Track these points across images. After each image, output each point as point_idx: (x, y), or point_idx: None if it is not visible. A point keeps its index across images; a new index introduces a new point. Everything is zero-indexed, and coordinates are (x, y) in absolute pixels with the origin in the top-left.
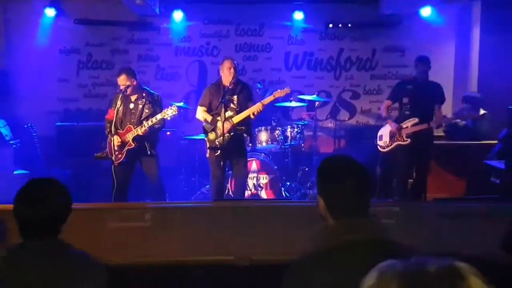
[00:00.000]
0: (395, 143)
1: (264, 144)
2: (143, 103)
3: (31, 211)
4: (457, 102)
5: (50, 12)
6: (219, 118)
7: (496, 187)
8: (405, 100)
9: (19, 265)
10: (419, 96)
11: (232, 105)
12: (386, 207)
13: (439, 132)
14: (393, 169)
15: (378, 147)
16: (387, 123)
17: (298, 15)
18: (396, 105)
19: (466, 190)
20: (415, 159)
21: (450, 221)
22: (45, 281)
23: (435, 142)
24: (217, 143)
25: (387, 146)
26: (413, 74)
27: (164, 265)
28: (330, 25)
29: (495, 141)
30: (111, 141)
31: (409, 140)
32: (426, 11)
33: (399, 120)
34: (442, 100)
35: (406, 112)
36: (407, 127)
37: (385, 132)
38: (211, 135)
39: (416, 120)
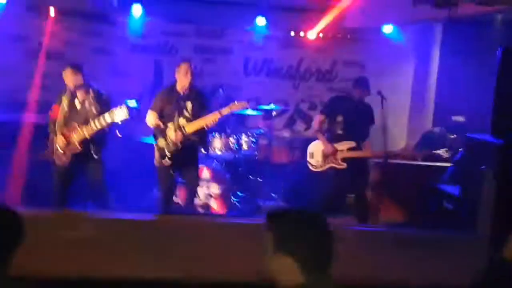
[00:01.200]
0: (329, 165)
1: (217, 151)
2: (90, 102)
3: None
4: (414, 121)
5: None
6: (169, 125)
7: (449, 213)
8: (339, 118)
9: None
10: (354, 116)
11: (185, 113)
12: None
13: None
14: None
15: (309, 165)
16: (317, 139)
17: (261, 21)
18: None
19: (416, 215)
20: (351, 183)
21: (401, 250)
22: None
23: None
24: (166, 151)
25: (320, 166)
26: (352, 93)
27: (106, 280)
28: (292, 33)
29: (447, 164)
30: (53, 140)
31: (345, 164)
32: (388, 28)
33: (331, 139)
34: (372, 122)
35: (339, 132)
36: (342, 150)
37: (316, 149)
38: (161, 142)
39: (353, 144)
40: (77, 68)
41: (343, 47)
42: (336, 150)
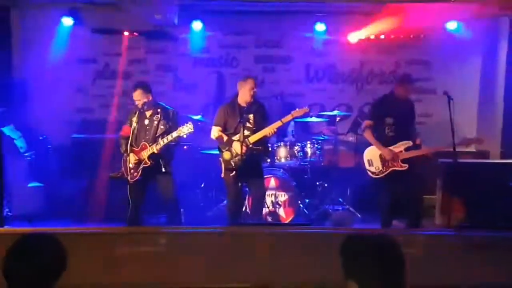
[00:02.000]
0: (390, 169)
1: (283, 160)
2: (158, 119)
3: (20, 268)
4: (482, 117)
5: (68, 21)
6: (234, 138)
7: None
8: (389, 120)
9: None
10: (402, 115)
11: (248, 124)
12: (407, 235)
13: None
14: (390, 194)
15: (369, 172)
16: (371, 145)
17: (320, 27)
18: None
19: (491, 215)
20: (411, 183)
21: (477, 253)
22: None
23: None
24: (232, 163)
25: (381, 172)
26: (394, 91)
27: None
28: (352, 37)
29: None
30: (126, 159)
31: (406, 165)
32: (452, 25)
33: (383, 142)
34: (415, 118)
35: (390, 134)
36: (400, 151)
37: (373, 156)
38: (226, 155)
39: (410, 143)
40: (145, 86)
41: (406, 46)
42: (396, 153)
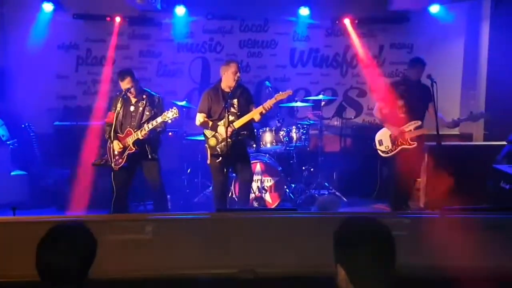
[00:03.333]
0: (400, 147)
1: (268, 145)
2: (143, 106)
3: (57, 259)
4: (465, 99)
5: (48, 7)
6: (219, 123)
7: (507, 193)
8: (400, 102)
9: None
10: (414, 97)
11: (232, 110)
12: (396, 218)
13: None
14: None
15: (379, 152)
16: (384, 127)
17: (304, 11)
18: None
19: (474, 196)
20: (415, 161)
21: (465, 234)
22: None
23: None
24: (218, 149)
25: (391, 151)
26: (407, 75)
27: (165, 278)
28: (337, 22)
29: (503, 143)
30: (110, 146)
31: (415, 143)
32: (435, 8)
33: (394, 123)
34: (430, 100)
35: (401, 115)
36: (410, 130)
37: (384, 136)
38: (212, 141)
39: (419, 123)
40: (129, 72)
41: (390, 30)
42: (404, 131)
